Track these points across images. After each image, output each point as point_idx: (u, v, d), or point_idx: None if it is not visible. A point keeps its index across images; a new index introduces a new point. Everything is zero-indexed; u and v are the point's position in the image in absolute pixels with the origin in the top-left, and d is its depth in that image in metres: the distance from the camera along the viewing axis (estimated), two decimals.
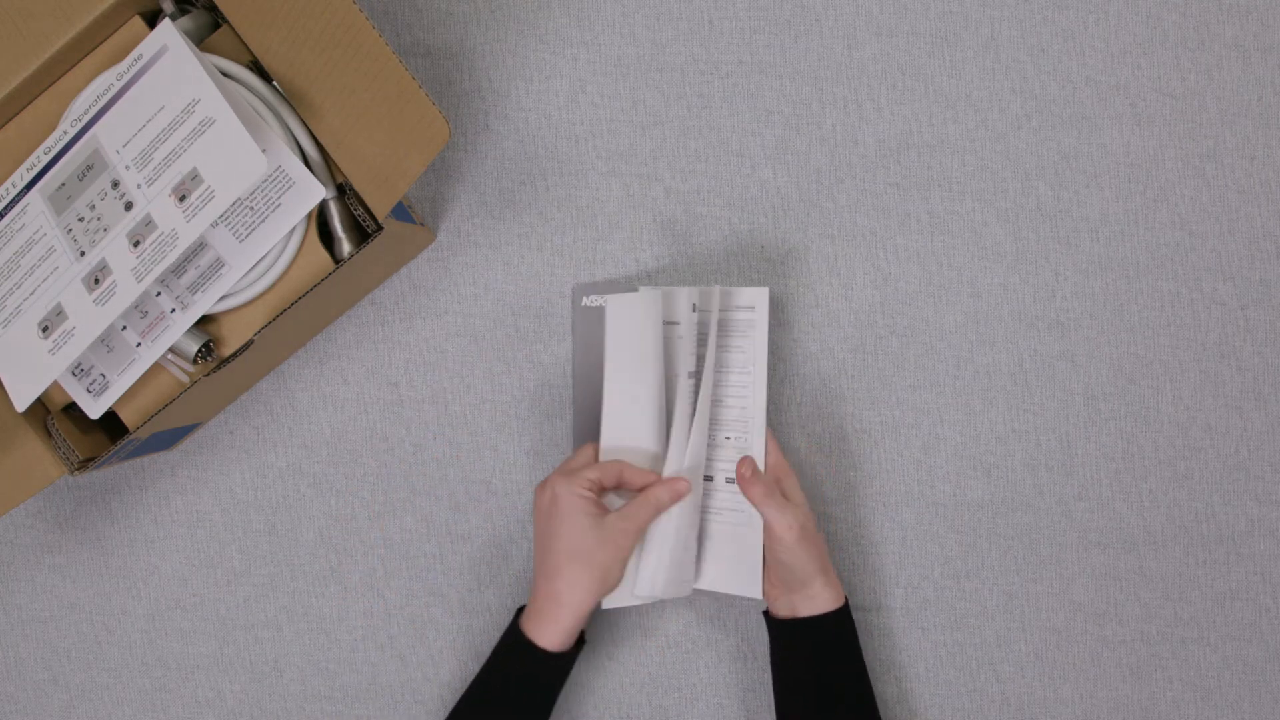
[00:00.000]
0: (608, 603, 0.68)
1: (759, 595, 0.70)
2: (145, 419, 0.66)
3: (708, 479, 0.71)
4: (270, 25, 0.60)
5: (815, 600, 0.67)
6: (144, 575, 0.77)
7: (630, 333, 0.69)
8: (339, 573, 0.76)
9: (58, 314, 0.61)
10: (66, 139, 0.62)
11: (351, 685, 0.76)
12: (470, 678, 0.77)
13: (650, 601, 0.69)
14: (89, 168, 0.61)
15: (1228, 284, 0.76)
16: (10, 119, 0.65)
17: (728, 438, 0.71)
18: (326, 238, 0.66)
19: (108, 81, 0.62)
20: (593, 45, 0.76)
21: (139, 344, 0.63)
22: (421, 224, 0.74)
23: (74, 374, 0.64)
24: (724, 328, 0.72)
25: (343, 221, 0.66)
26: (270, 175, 0.61)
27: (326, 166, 0.65)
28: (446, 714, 0.68)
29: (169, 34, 0.60)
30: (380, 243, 0.64)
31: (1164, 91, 0.76)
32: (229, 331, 0.66)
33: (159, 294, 0.63)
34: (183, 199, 0.59)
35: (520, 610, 0.67)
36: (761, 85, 0.76)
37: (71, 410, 0.68)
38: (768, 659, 0.75)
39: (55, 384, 0.66)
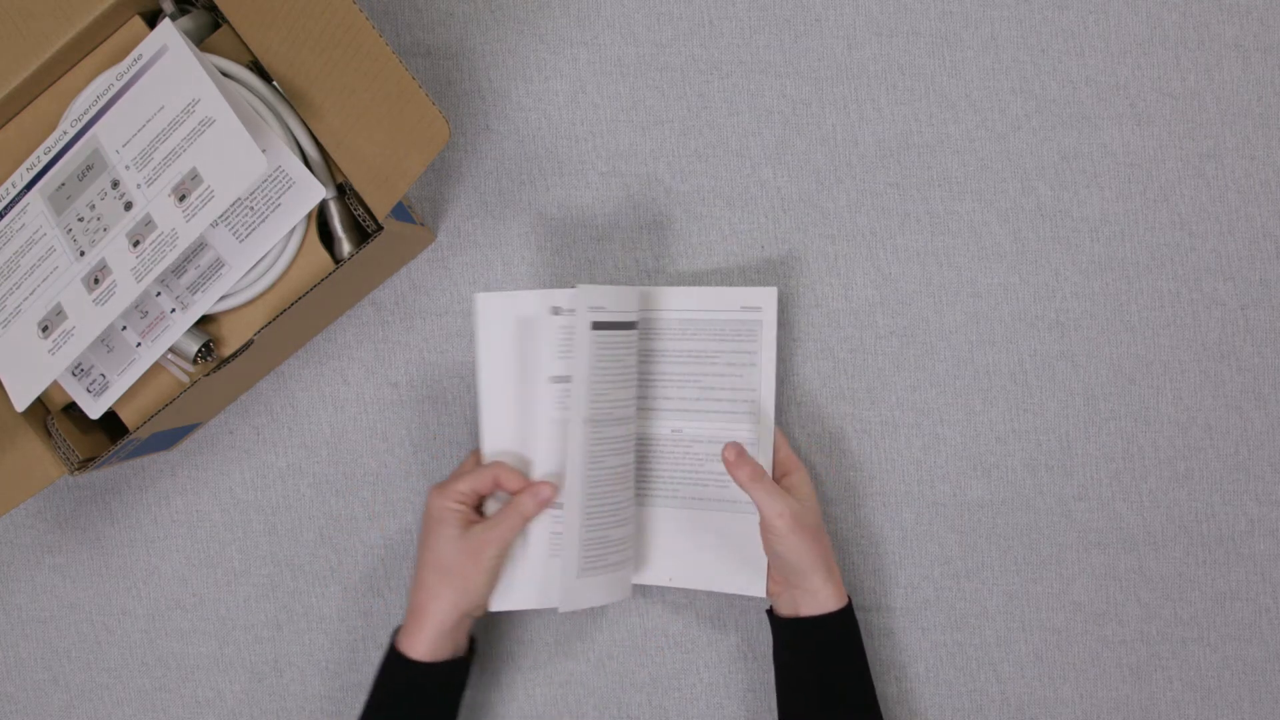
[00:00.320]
0: (496, 605, 0.69)
1: (760, 594, 0.70)
2: (145, 419, 0.66)
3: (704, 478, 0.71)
4: (270, 25, 0.60)
5: (816, 598, 0.67)
6: (144, 575, 0.77)
7: (498, 333, 0.69)
8: (339, 573, 0.76)
9: (57, 314, 0.61)
10: (66, 139, 0.62)
11: (351, 685, 0.76)
12: (471, 678, 0.77)
13: (558, 608, 0.68)
14: (89, 168, 0.61)
15: (1228, 284, 0.76)
16: (10, 119, 0.65)
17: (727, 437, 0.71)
18: (326, 238, 0.66)
19: (108, 81, 0.62)
20: (593, 45, 0.76)
21: (139, 344, 0.63)
22: (421, 224, 0.74)
23: (74, 374, 0.64)
24: (725, 327, 0.72)
25: (343, 221, 0.66)
26: (270, 175, 0.61)
27: (326, 166, 0.65)
28: None
29: (169, 34, 0.60)
30: (380, 243, 0.64)
31: (1164, 91, 0.76)
32: (229, 331, 0.66)
33: (159, 294, 0.63)
34: (182, 199, 0.59)
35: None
36: (761, 85, 0.76)
37: (71, 410, 0.68)
38: (768, 658, 0.75)
39: (55, 384, 0.66)
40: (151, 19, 0.65)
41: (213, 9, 0.65)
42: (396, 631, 0.68)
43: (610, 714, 0.76)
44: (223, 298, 0.64)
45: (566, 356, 0.69)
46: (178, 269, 0.63)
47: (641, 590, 0.76)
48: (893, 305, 0.76)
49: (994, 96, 0.76)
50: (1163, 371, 0.76)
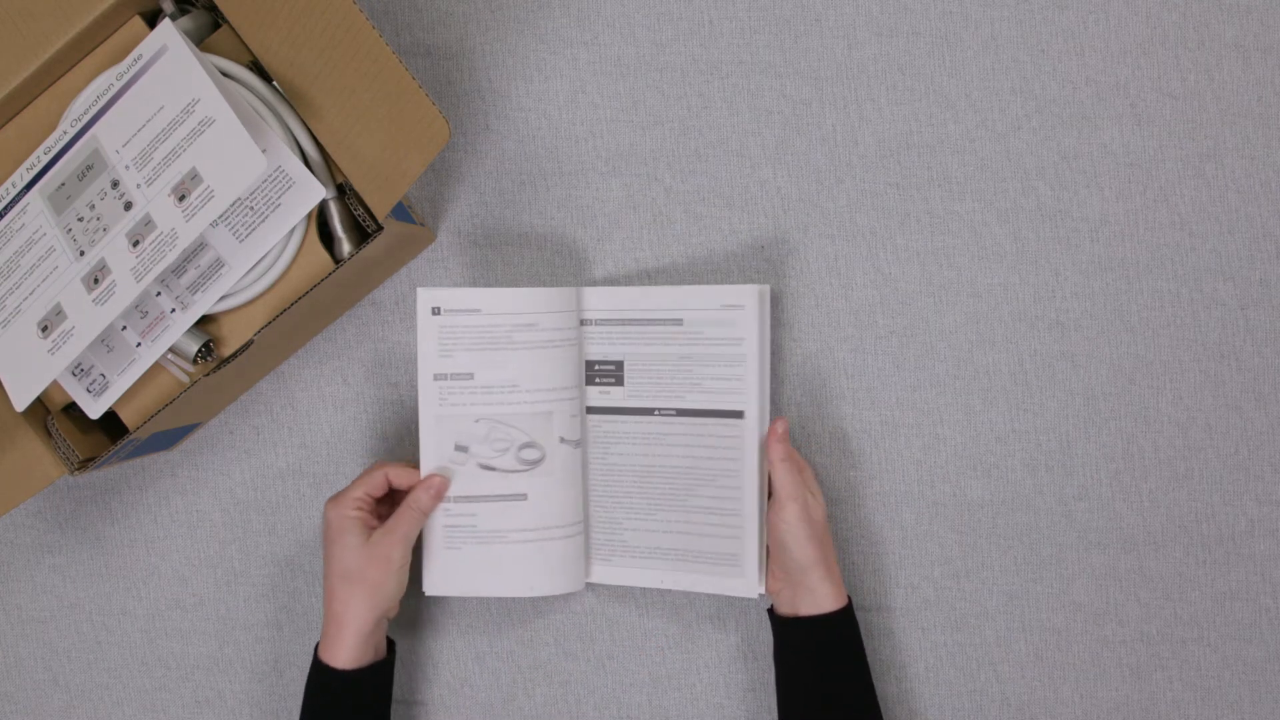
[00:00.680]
0: (430, 589, 0.71)
1: (752, 595, 0.70)
2: (145, 419, 0.66)
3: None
4: (270, 25, 0.60)
5: (815, 596, 0.67)
6: (144, 575, 0.77)
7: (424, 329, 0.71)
8: None
9: (57, 313, 0.61)
10: (66, 139, 0.62)
11: None
12: (471, 678, 0.77)
13: (479, 595, 0.72)
14: (89, 167, 0.61)
15: (1228, 284, 0.76)
16: (10, 119, 0.65)
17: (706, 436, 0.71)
18: (326, 238, 0.66)
19: (108, 81, 0.62)
20: (593, 45, 0.76)
21: (139, 344, 0.63)
22: (421, 224, 0.74)
23: (74, 374, 0.64)
24: (707, 327, 0.71)
25: (343, 221, 0.66)
26: (270, 175, 0.61)
27: (326, 166, 0.65)
28: None
29: (169, 34, 0.60)
30: (380, 243, 0.64)
31: (1164, 91, 0.76)
32: (229, 331, 0.66)
33: (159, 294, 0.63)
34: (182, 199, 0.59)
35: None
36: (761, 85, 0.76)
37: (71, 410, 0.68)
38: (768, 658, 0.75)
39: (55, 384, 0.66)
40: (151, 19, 0.65)
41: (213, 9, 0.65)
42: (316, 648, 0.68)
43: (610, 714, 0.76)
44: (223, 298, 0.64)
45: (447, 355, 0.70)
46: (178, 269, 0.63)
47: (641, 590, 0.76)
48: (893, 305, 0.76)
49: (994, 96, 0.76)
50: (1163, 371, 0.76)
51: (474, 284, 0.77)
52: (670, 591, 0.76)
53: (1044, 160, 0.76)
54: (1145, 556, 0.76)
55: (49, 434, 0.65)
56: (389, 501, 0.71)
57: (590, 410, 0.73)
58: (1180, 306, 0.76)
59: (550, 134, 0.76)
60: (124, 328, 0.63)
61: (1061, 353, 0.76)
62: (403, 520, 0.67)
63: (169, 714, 0.77)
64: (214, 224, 0.62)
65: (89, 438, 0.67)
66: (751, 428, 0.71)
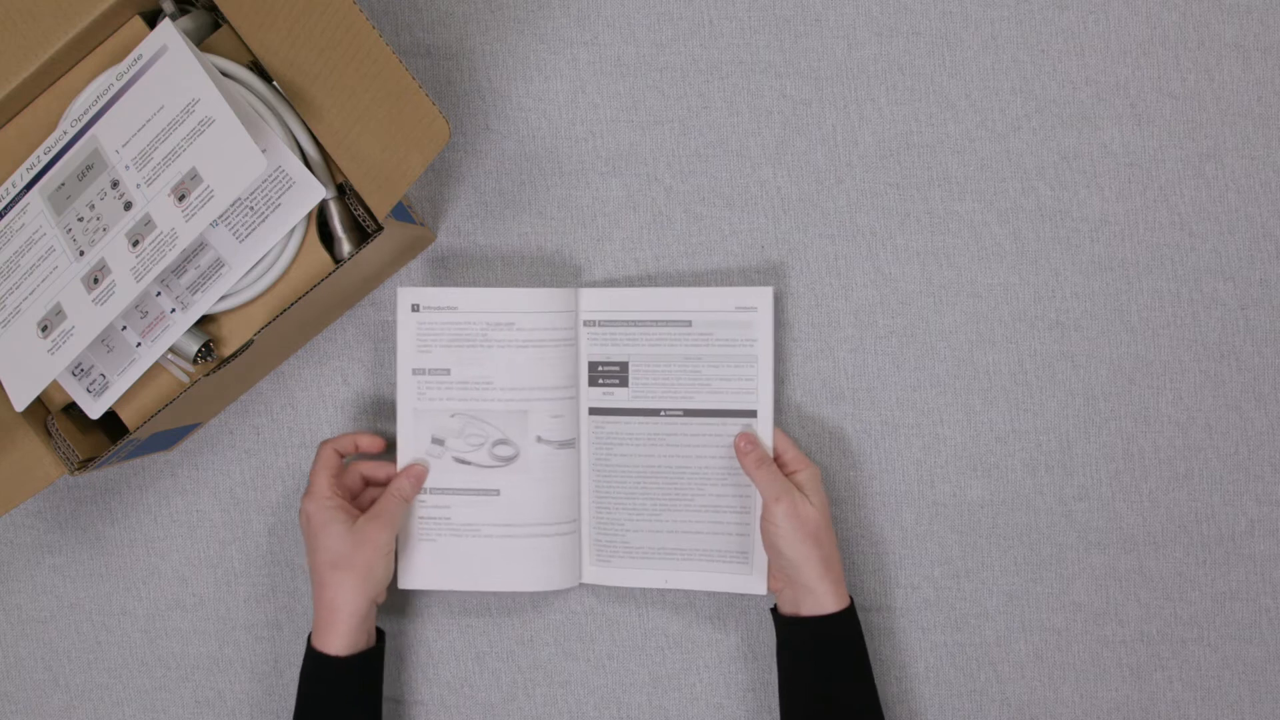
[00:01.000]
0: (404, 582, 0.72)
1: (758, 591, 0.70)
2: (145, 419, 0.66)
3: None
4: (270, 25, 0.60)
5: (814, 596, 0.67)
6: (144, 575, 0.77)
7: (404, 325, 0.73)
8: None
9: (57, 313, 0.61)
10: (66, 139, 0.62)
11: None
12: (471, 678, 0.77)
13: (467, 589, 0.74)
14: (88, 167, 0.61)
15: (1228, 284, 0.76)
16: (10, 119, 0.65)
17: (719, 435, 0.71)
18: (326, 238, 0.66)
19: (108, 81, 0.62)
20: (593, 45, 0.76)
21: (139, 344, 0.63)
22: (421, 224, 0.74)
23: (74, 374, 0.64)
24: (720, 328, 0.72)
25: (343, 221, 0.66)
26: (270, 175, 0.61)
27: (326, 166, 0.65)
28: None
29: (169, 34, 0.60)
30: (380, 243, 0.64)
31: (1164, 91, 0.76)
32: (229, 331, 0.66)
33: (159, 294, 0.63)
34: (182, 198, 0.59)
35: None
36: (761, 85, 0.76)
37: (71, 410, 0.68)
38: (769, 658, 0.75)
39: (55, 384, 0.66)
40: (151, 19, 0.65)
41: (213, 9, 0.65)
42: (308, 639, 0.68)
43: (610, 714, 0.76)
44: (223, 298, 0.64)
45: (425, 351, 0.72)
46: (178, 269, 0.63)
47: (641, 590, 0.76)
48: (893, 305, 0.76)
49: (994, 96, 0.76)
50: (1163, 371, 0.76)
51: (474, 284, 0.77)
52: (670, 591, 0.76)
53: (1044, 160, 0.76)
54: (1145, 556, 0.76)
55: (49, 434, 0.65)
56: (361, 499, 0.73)
57: (593, 411, 0.73)
58: (1180, 306, 0.76)
59: (550, 134, 0.76)
60: (124, 328, 0.63)
61: (1061, 353, 0.76)
62: (386, 505, 0.69)
63: (169, 714, 0.77)
64: (214, 224, 0.62)
65: (89, 438, 0.67)
66: (764, 426, 0.71)
